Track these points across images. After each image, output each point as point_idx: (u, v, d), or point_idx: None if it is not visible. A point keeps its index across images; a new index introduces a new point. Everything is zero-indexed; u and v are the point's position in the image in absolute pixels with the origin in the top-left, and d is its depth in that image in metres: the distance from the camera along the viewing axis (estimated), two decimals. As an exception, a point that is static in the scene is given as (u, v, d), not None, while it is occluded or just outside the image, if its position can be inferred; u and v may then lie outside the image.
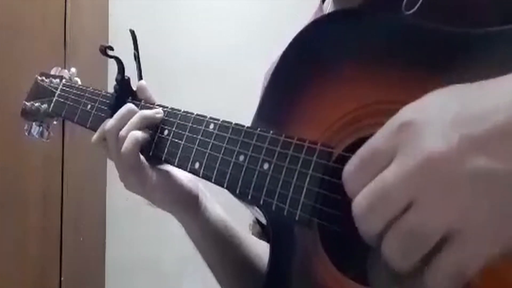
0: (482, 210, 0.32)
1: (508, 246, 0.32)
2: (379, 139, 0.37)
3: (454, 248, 0.32)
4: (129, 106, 0.66)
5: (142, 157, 0.65)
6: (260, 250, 0.71)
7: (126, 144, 0.63)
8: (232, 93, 1.90)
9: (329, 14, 0.63)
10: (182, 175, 0.68)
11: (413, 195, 0.33)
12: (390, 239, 0.35)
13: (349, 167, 0.38)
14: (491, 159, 0.32)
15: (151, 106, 0.67)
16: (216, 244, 0.70)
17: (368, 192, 0.35)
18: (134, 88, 0.70)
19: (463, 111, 0.34)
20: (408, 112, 0.36)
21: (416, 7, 0.49)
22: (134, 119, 0.64)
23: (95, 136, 0.68)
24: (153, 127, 0.65)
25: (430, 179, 0.33)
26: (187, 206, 0.68)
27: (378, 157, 0.36)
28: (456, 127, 0.33)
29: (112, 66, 0.71)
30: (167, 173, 0.67)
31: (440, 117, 0.34)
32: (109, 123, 0.65)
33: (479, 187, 0.32)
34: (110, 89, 0.73)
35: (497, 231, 0.32)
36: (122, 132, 0.64)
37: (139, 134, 0.63)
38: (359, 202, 0.36)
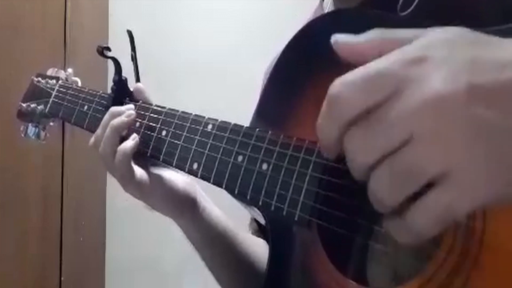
0: (479, 155, 0.32)
1: (499, 195, 0.32)
2: (389, 64, 0.34)
3: (444, 186, 0.32)
4: (111, 111, 0.66)
5: (136, 167, 0.65)
6: (260, 250, 0.71)
7: (118, 158, 0.63)
8: (232, 93, 1.90)
9: (328, 13, 0.63)
10: (179, 179, 0.68)
11: (414, 130, 0.32)
12: (382, 171, 0.33)
13: (346, 79, 0.35)
14: (497, 110, 0.32)
15: (149, 107, 0.67)
16: (214, 246, 0.70)
17: (368, 122, 0.33)
18: (132, 89, 0.70)
19: (477, 59, 0.33)
20: (422, 46, 0.35)
21: (411, 8, 0.49)
22: (108, 133, 0.64)
23: (91, 142, 0.68)
24: (132, 131, 0.66)
25: (433, 117, 0.32)
26: (184, 210, 0.68)
27: (383, 82, 0.34)
28: (468, 73, 0.33)
29: (112, 66, 0.70)
30: (162, 178, 0.66)
31: (454, 59, 0.33)
32: (97, 133, 0.66)
33: (477, 134, 0.32)
34: (110, 89, 0.72)
35: (490, 178, 0.32)
36: (100, 151, 0.64)
37: (128, 146, 0.63)
38: (356, 130, 0.34)
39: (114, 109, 0.67)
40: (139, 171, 0.65)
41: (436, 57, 0.34)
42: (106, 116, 0.66)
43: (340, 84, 0.34)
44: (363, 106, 0.33)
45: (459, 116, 0.32)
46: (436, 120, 0.32)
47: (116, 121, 0.64)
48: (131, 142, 0.63)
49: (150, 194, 0.65)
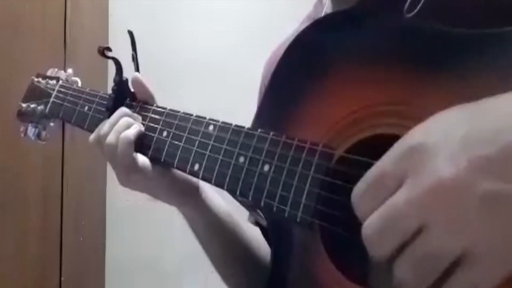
0: (494, 231, 0.32)
1: None
2: (387, 162, 0.37)
3: (467, 269, 0.33)
4: (122, 110, 0.66)
5: (139, 155, 0.64)
6: (262, 240, 0.71)
7: (120, 147, 0.62)
8: (232, 93, 1.90)
9: (328, 15, 0.63)
10: None
11: (424, 219, 0.33)
12: (402, 263, 0.35)
13: (358, 189, 0.38)
14: (502, 180, 0.32)
15: (150, 107, 0.67)
16: (218, 233, 0.70)
17: (378, 216, 0.36)
18: (132, 90, 0.70)
19: (472, 132, 0.34)
20: (416, 135, 0.36)
21: (417, 9, 0.49)
22: (121, 122, 0.64)
23: (91, 138, 0.68)
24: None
25: (441, 203, 0.33)
26: (187, 197, 0.68)
27: (387, 180, 0.36)
28: (465, 149, 0.33)
29: (112, 66, 0.70)
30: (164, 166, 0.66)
31: (449, 139, 0.34)
32: (103, 128, 0.65)
33: (490, 209, 0.32)
34: (110, 89, 0.72)
35: (510, 251, 0.32)
36: (111, 138, 0.64)
37: (130, 133, 0.63)
38: (369, 225, 0.36)
39: (142, 107, 0.67)
40: (141, 159, 0.64)
41: (431, 144, 0.34)
42: (127, 110, 0.66)
43: (356, 191, 0.38)
44: (370, 210, 0.36)
45: (467, 196, 0.32)
46: (444, 205, 0.33)
47: (131, 119, 0.65)
48: (133, 129, 0.64)
49: (153, 182, 0.65)
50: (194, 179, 0.68)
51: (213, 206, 0.70)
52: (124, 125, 0.64)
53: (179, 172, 0.67)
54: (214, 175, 0.56)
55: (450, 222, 0.33)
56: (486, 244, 0.32)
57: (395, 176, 0.35)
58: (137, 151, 0.65)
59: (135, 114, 0.67)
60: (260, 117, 0.57)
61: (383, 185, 0.36)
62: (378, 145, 0.40)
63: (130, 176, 0.64)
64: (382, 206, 0.35)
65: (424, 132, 0.36)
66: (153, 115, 0.66)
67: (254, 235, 0.72)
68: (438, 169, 0.33)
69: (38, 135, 0.84)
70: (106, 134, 0.64)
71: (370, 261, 0.49)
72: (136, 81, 0.69)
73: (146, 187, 0.66)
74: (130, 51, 0.70)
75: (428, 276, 0.34)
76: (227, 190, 0.55)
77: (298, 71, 0.54)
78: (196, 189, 0.69)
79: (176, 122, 0.63)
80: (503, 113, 0.34)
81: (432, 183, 0.33)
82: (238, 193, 0.53)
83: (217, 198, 0.71)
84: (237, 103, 1.55)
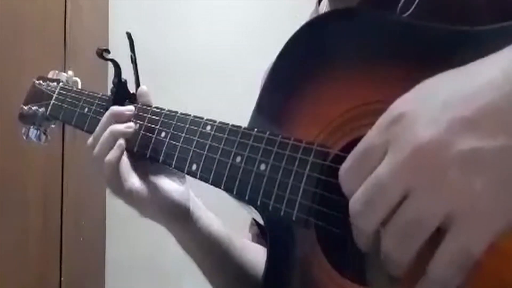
0: (476, 189, 0.31)
1: (509, 220, 0.32)
2: (371, 136, 0.37)
3: (455, 233, 0.32)
4: (112, 111, 0.66)
5: (130, 173, 0.64)
6: (257, 257, 0.71)
7: (105, 167, 0.63)
8: (231, 93, 1.90)
9: (324, 13, 0.63)
10: (173, 188, 0.67)
11: (407, 186, 0.33)
12: (388, 232, 0.34)
13: (345, 166, 0.38)
14: (480, 137, 0.32)
15: (148, 108, 0.67)
16: (210, 254, 0.70)
17: (364, 189, 0.36)
18: (132, 91, 0.70)
19: (451, 95, 0.34)
20: (398, 105, 0.36)
21: (411, 10, 0.49)
22: (105, 137, 0.64)
23: (89, 140, 0.68)
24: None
25: (421, 167, 0.33)
26: (176, 219, 0.67)
27: (371, 153, 0.36)
28: (444, 112, 0.33)
29: (113, 66, 0.71)
30: (156, 188, 0.66)
31: (429, 105, 0.34)
32: (94, 132, 0.66)
33: (470, 167, 0.32)
34: (110, 91, 0.73)
35: (494, 208, 0.32)
36: (95, 152, 0.64)
37: (113, 156, 0.63)
38: (356, 199, 0.36)
39: (114, 109, 0.67)
40: (131, 180, 0.64)
41: (411, 111, 0.35)
42: (106, 116, 0.66)
43: (343, 168, 0.38)
44: (357, 186, 0.36)
45: (446, 157, 0.32)
46: (424, 169, 0.33)
47: (116, 128, 0.64)
48: (117, 151, 0.63)
49: (140, 203, 0.65)
50: (185, 204, 0.67)
51: (203, 229, 0.68)
52: (109, 139, 0.64)
53: (169, 194, 0.66)
54: (211, 175, 0.56)
55: (431, 185, 0.32)
56: (470, 203, 0.32)
57: (378, 148, 0.35)
58: (136, 151, 0.65)
59: (124, 109, 0.66)
60: (258, 113, 0.58)
61: (368, 158, 0.36)
62: None
63: (114, 193, 0.65)
64: (367, 179, 0.35)
65: (405, 101, 0.36)
66: (151, 116, 0.66)
67: (251, 256, 0.71)
68: (418, 134, 0.33)
69: (39, 137, 0.85)
70: (97, 140, 0.65)
71: (366, 259, 0.49)
72: (142, 94, 0.69)
73: (132, 204, 0.66)
74: (130, 53, 0.70)
75: (412, 243, 0.33)
76: (224, 190, 0.55)
77: (295, 68, 0.54)
78: (185, 214, 0.67)
79: (174, 122, 0.63)
80: (481, 75, 0.34)
81: (412, 148, 0.33)
82: (235, 192, 0.54)
83: (209, 219, 0.70)
84: (237, 103, 1.55)
